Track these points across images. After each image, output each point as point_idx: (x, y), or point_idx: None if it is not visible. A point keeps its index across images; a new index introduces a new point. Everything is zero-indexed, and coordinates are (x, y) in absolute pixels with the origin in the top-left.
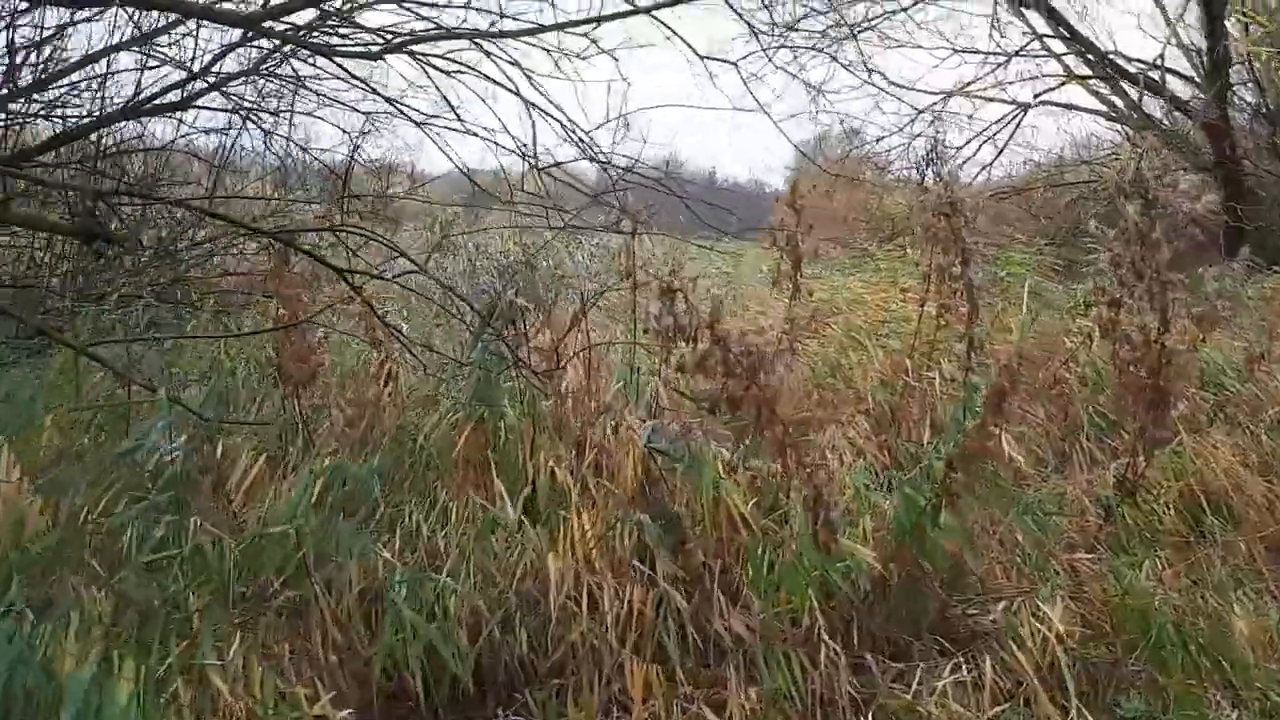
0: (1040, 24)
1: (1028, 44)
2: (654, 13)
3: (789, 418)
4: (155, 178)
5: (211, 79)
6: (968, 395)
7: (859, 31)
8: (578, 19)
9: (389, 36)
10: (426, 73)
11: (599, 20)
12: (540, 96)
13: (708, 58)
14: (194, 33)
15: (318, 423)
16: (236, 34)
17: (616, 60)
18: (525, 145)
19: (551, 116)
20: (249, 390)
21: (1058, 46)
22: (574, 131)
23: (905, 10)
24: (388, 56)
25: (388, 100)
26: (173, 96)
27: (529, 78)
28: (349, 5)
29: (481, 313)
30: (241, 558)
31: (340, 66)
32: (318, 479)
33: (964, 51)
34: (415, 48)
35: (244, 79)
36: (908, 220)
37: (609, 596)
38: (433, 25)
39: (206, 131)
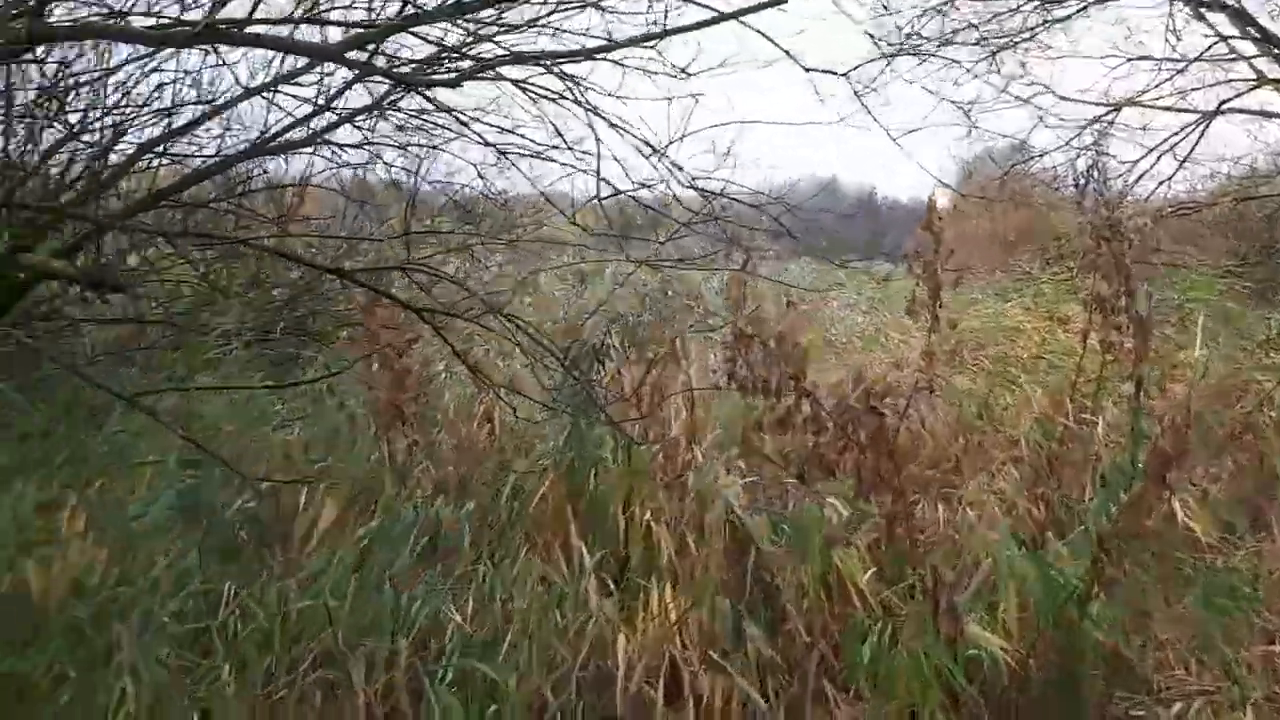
0: (1225, 25)
1: (1210, 47)
2: (748, 21)
3: (915, 476)
4: (286, 215)
5: (337, 115)
6: (1132, 447)
7: (1015, 43)
8: (652, 33)
9: (469, 65)
10: (536, 103)
11: (665, 34)
12: (634, 119)
13: (813, 69)
14: (329, 73)
15: (414, 464)
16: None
17: (682, 74)
18: (590, 166)
19: (629, 133)
20: (358, 429)
21: (1246, 48)
22: (664, 157)
23: (1059, 21)
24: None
25: (469, 127)
26: (298, 134)
27: (581, 95)
28: (468, 38)
29: (558, 355)
30: (278, 627)
31: (424, 96)
32: (361, 543)
33: (1136, 59)
34: (505, 74)
35: (367, 114)
36: (1073, 241)
37: (690, 682)
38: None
39: (341, 166)
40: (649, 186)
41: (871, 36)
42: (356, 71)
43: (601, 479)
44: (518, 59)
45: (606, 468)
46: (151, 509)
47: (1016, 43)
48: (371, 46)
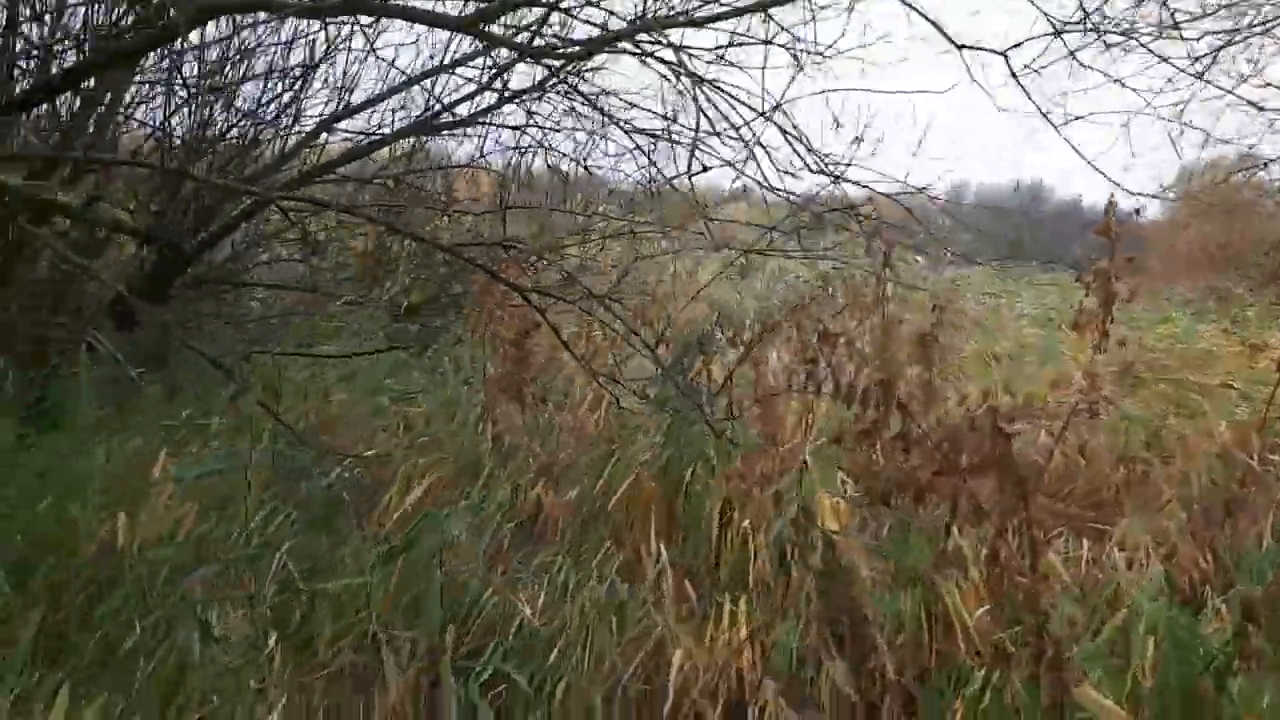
0: None
1: None
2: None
3: (1048, 508)
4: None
5: (498, 96)
6: None
7: (1245, 38)
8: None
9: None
10: (679, 87)
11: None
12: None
13: (965, 47)
14: (506, 60)
15: (520, 445)
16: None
17: (819, 54)
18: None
19: (734, 99)
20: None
21: None
22: (800, 139)
23: None
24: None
25: (602, 113)
26: (461, 112)
27: (686, 63)
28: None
29: (649, 344)
30: (316, 609)
31: (568, 83)
32: (409, 530)
33: None
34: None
35: (527, 96)
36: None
37: (752, 710)
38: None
39: (507, 149)
40: (750, 158)
41: (1045, 15)
42: (482, 44)
43: (700, 479)
44: (631, 32)
45: (711, 466)
46: (190, 471)
47: (1247, 38)
48: (533, 25)
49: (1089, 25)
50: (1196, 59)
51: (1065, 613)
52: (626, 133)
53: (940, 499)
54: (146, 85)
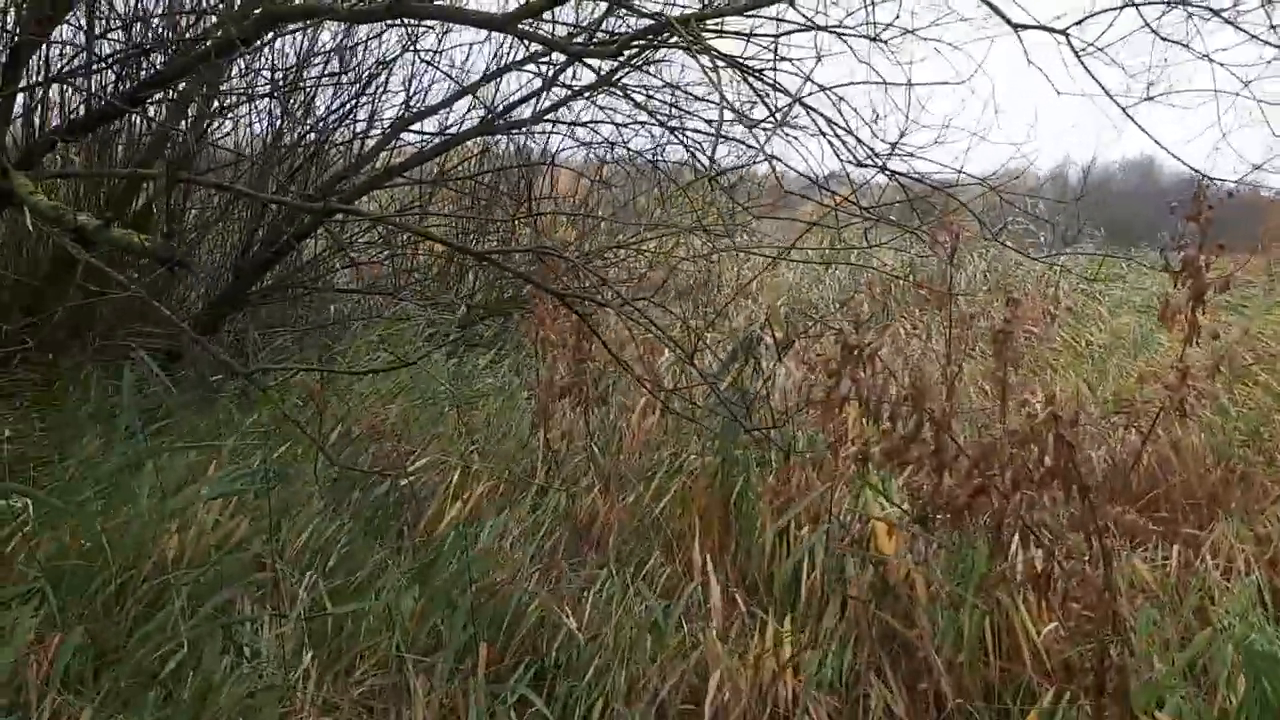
0: None
1: None
2: None
3: (1118, 518)
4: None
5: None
6: None
7: None
8: None
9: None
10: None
11: None
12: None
13: (1022, 27)
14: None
15: (575, 452)
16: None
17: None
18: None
19: (756, 76)
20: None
21: None
22: (848, 129)
23: None
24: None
25: (637, 105)
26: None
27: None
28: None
29: (683, 350)
30: (349, 627)
31: (607, 74)
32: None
33: None
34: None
35: (589, 92)
36: None
37: None
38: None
39: (580, 145)
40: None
41: None
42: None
43: (754, 487)
44: (662, 27)
45: (772, 473)
46: (219, 488)
47: None
48: (585, 24)
49: None
50: None
51: (1147, 628)
52: (670, 129)
53: (982, 519)
54: (223, 98)
